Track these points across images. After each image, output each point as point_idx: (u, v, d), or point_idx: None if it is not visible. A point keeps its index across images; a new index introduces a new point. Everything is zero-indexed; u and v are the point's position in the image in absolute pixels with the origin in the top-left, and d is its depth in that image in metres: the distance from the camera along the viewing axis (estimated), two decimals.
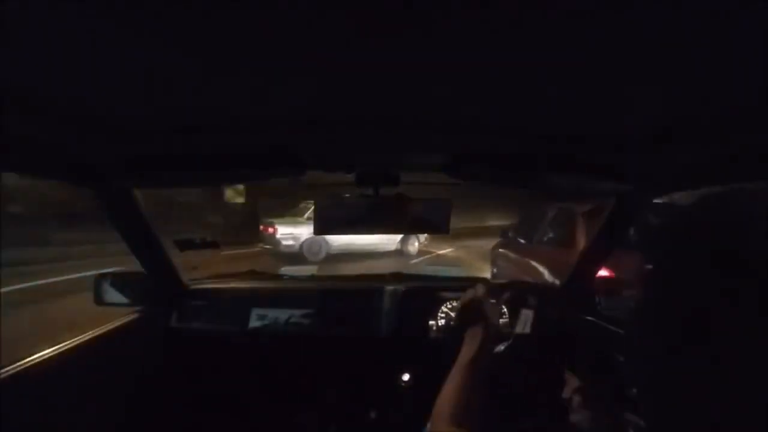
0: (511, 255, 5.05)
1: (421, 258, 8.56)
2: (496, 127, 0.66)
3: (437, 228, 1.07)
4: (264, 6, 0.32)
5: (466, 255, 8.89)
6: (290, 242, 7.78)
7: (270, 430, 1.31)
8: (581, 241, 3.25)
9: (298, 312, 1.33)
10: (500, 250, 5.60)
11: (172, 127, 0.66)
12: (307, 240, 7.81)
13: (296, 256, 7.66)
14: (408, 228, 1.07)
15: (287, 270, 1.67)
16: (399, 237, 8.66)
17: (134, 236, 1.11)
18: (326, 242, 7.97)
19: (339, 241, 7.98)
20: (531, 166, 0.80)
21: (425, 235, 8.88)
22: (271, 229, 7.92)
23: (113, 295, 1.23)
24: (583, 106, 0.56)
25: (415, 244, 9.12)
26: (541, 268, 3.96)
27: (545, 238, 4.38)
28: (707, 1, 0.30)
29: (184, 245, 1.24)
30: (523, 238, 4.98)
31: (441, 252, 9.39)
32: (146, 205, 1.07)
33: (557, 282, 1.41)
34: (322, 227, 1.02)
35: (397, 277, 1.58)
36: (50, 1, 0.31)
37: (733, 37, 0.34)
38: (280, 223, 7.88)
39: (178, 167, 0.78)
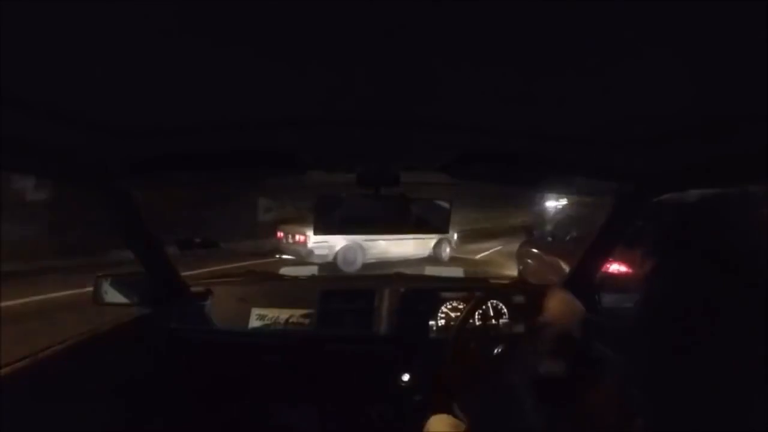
0: (538, 253, 5.20)
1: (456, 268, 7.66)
2: (496, 127, 0.66)
3: (438, 228, 1.07)
4: (264, 7, 0.32)
5: (503, 259, 8.23)
6: (324, 252, 6.70)
7: (269, 429, 1.31)
8: None
9: (298, 312, 1.33)
10: (526, 248, 5.74)
11: (172, 127, 0.66)
12: (342, 248, 6.82)
13: (329, 267, 6.36)
14: (409, 228, 1.07)
15: (287, 270, 1.67)
16: (432, 243, 8.09)
17: (134, 236, 1.11)
18: (362, 251, 7.09)
19: (374, 249, 7.17)
20: (531, 166, 0.80)
21: (455, 239, 8.54)
22: (299, 237, 6.75)
23: (113, 296, 1.23)
24: (583, 106, 0.56)
25: (447, 250, 8.46)
26: (565, 264, 4.12)
27: (568, 237, 4.60)
28: (707, 1, 0.30)
29: (185, 245, 1.24)
30: (549, 237, 5.19)
31: (475, 257, 8.75)
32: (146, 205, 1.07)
33: (559, 281, 1.42)
34: (323, 227, 1.02)
35: (397, 277, 1.58)
36: (50, 1, 0.31)
37: (733, 37, 0.34)
38: (312, 229, 6.75)
39: (178, 167, 0.78)
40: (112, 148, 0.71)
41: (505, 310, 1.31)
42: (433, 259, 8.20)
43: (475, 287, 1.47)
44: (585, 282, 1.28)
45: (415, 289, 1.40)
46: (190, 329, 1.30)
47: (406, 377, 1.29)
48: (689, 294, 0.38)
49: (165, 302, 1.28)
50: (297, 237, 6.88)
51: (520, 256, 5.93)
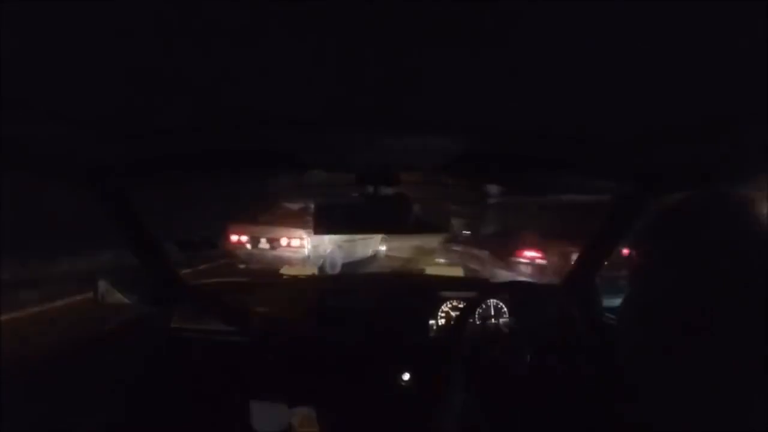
0: (462, 248, 6.41)
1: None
2: (496, 127, 0.66)
3: (437, 228, 1.07)
4: (264, 7, 0.32)
5: (421, 255, 8.44)
6: (317, 258, 5.62)
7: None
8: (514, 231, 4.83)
9: (298, 312, 1.33)
10: (449, 244, 6.93)
11: (172, 127, 0.66)
12: (330, 252, 5.80)
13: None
14: (408, 228, 1.07)
15: (287, 270, 1.67)
16: (379, 239, 7.95)
17: (134, 236, 1.11)
18: (342, 252, 6.25)
19: (351, 249, 6.49)
20: (531, 166, 0.80)
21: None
22: (289, 241, 5.32)
23: (113, 296, 1.23)
24: (583, 107, 0.56)
25: (384, 248, 8.23)
26: (490, 256, 5.09)
27: (491, 232, 5.72)
28: (707, 2, 0.30)
29: (185, 245, 1.24)
30: (470, 233, 6.55)
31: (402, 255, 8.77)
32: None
33: (557, 281, 1.42)
34: (323, 227, 1.02)
35: (397, 276, 1.58)
36: (50, 1, 0.31)
37: (732, 37, 0.34)
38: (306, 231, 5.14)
39: (178, 167, 0.78)
40: (112, 147, 0.71)
41: (505, 310, 1.31)
42: (388, 257, 8.14)
43: (475, 287, 1.47)
44: (585, 281, 1.28)
45: (415, 289, 1.40)
46: (190, 329, 1.30)
47: (406, 377, 1.29)
48: (687, 295, 0.38)
49: (165, 302, 1.28)
50: (286, 241, 5.45)
51: (445, 250, 7.09)
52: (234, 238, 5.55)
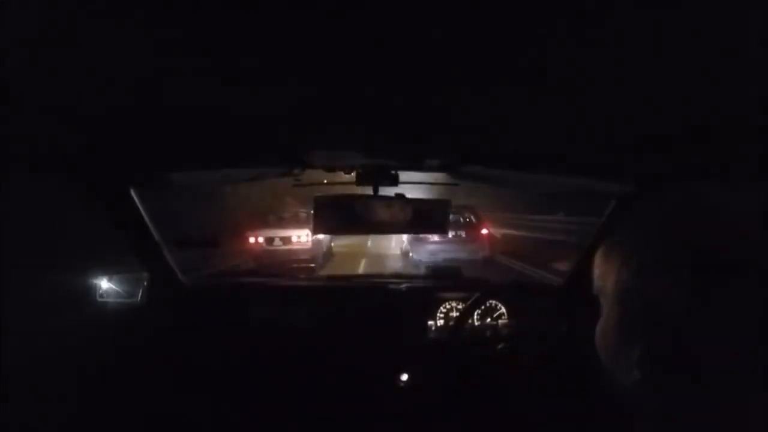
0: None
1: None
2: (496, 127, 0.66)
3: (436, 228, 1.07)
4: (264, 6, 0.32)
5: None
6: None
7: (267, 429, 1.31)
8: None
9: (297, 311, 1.33)
10: None
11: (171, 127, 0.65)
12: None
13: None
14: (407, 227, 1.07)
15: (287, 269, 1.67)
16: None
17: (133, 236, 1.11)
18: None
19: None
20: (531, 166, 0.80)
21: None
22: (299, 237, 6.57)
23: (112, 294, 1.23)
24: (583, 106, 0.56)
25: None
26: None
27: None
28: (706, 3, 0.30)
29: (185, 245, 1.24)
30: None
31: None
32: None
33: (557, 282, 1.41)
34: (322, 227, 1.02)
35: (397, 276, 1.58)
36: (50, 1, 0.31)
37: (732, 38, 0.34)
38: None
39: (178, 167, 0.78)
40: (111, 147, 0.71)
41: (504, 310, 1.31)
42: None
43: (475, 287, 1.47)
44: (585, 283, 1.28)
45: (415, 289, 1.40)
46: (190, 328, 1.30)
47: (405, 377, 1.29)
48: (667, 298, 0.38)
49: (164, 301, 1.28)
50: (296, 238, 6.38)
51: None
52: (251, 239, 6.52)
